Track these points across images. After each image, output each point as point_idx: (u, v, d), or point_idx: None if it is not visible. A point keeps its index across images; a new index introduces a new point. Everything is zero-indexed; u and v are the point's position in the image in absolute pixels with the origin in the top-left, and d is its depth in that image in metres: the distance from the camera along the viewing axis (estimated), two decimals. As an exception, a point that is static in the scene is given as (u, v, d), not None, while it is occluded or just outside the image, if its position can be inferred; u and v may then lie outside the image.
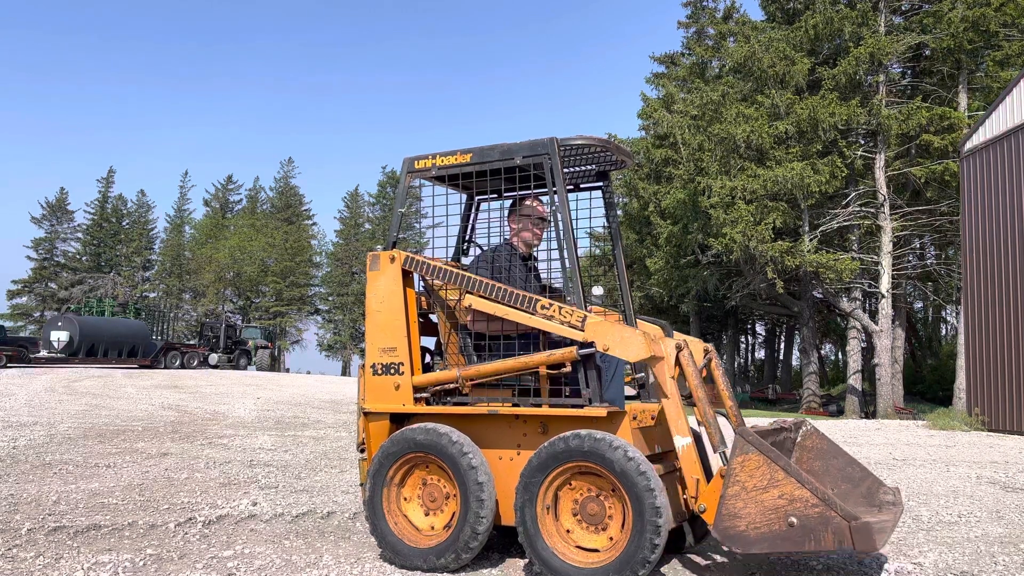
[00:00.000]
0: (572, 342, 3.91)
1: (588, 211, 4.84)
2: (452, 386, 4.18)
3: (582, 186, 4.93)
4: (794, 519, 3.31)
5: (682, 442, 3.81)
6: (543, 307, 3.92)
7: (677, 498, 4.24)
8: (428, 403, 4.32)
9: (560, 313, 3.86)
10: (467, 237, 5.01)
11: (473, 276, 4.14)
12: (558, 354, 3.89)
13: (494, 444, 4.09)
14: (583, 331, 3.80)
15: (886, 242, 24.86)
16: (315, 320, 63.36)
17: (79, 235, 64.68)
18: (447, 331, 4.46)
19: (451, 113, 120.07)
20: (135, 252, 64.84)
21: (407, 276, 4.41)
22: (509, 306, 3.99)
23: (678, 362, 3.93)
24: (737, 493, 3.43)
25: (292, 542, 4.57)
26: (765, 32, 28.05)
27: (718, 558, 4.45)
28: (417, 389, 4.26)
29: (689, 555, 4.50)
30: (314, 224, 67.60)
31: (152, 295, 62.90)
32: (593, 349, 3.83)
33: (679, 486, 4.42)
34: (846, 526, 3.24)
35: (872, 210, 25.10)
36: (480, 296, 4.09)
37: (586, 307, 3.99)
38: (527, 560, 3.81)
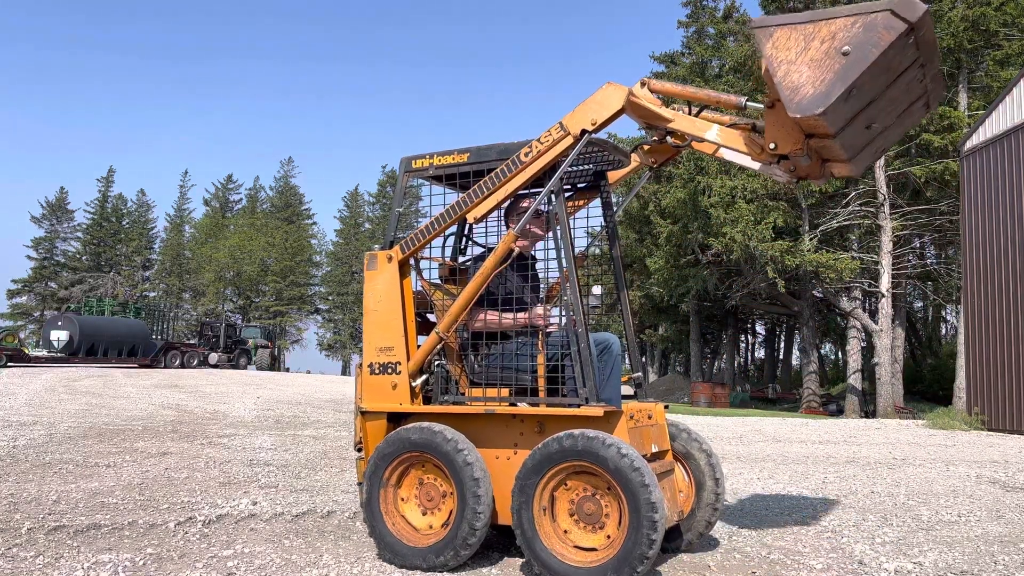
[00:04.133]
0: (566, 341, 3.90)
1: (586, 210, 4.85)
2: (439, 346, 4.23)
3: (579, 186, 4.93)
4: (847, 47, 3.26)
5: (711, 133, 3.86)
6: (526, 154, 4.09)
7: (674, 497, 4.25)
8: (427, 401, 4.33)
9: (541, 141, 4.06)
10: (465, 235, 5.00)
11: (469, 192, 4.23)
12: (508, 238, 4.08)
13: (491, 443, 4.10)
14: (568, 132, 4.01)
15: (886, 241, 24.85)
16: (315, 320, 63.45)
17: (79, 234, 64.74)
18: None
19: (450, 113, 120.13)
20: (135, 252, 64.85)
21: (404, 274, 4.42)
22: (505, 182, 4.12)
23: (651, 90, 4.04)
24: (786, 71, 3.37)
25: (292, 541, 4.58)
26: (765, 32, 27.98)
27: (718, 557, 4.46)
28: (413, 376, 4.28)
29: (687, 554, 4.50)
30: (314, 224, 67.72)
31: (152, 295, 62.92)
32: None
33: (675, 485, 4.43)
34: (888, 12, 3.19)
35: (872, 209, 25.10)
36: (479, 202, 4.17)
37: (585, 307, 4.00)
38: (526, 559, 3.81)
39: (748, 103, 3.77)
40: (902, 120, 3.90)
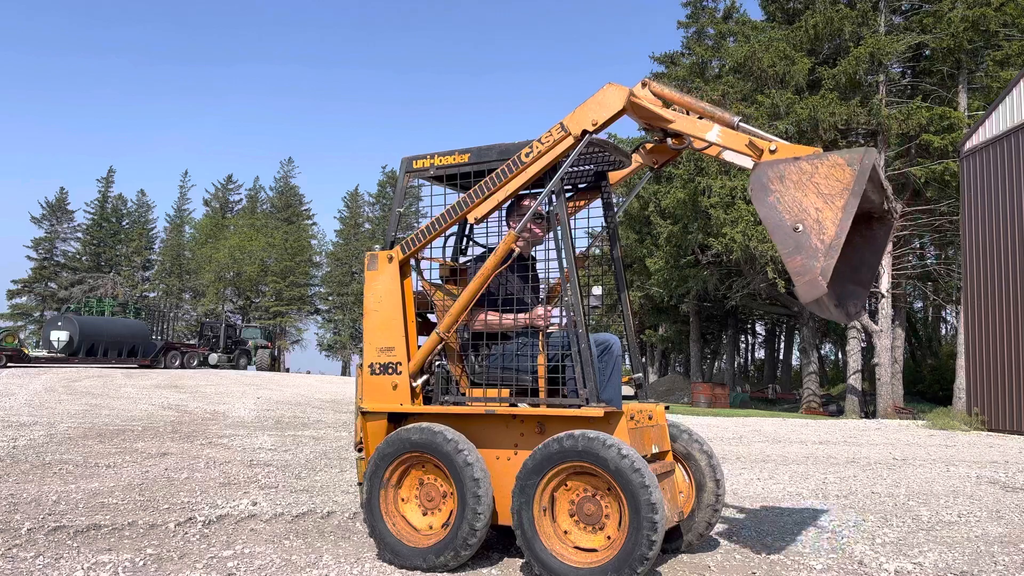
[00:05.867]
0: (567, 341, 3.91)
1: (587, 211, 4.85)
2: (440, 347, 4.24)
3: (580, 186, 4.93)
4: (800, 227, 3.44)
5: (712, 134, 3.85)
6: (527, 154, 4.08)
7: (674, 497, 4.25)
8: (427, 401, 4.32)
9: (541, 142, 4.06)
10: (466, 235, 5.00)
11: (470, 192, 4.22)
12: (509, 238, 4.08)
13: (491, 444, 4.10)
14: (568, 132, 4.00)
15: (886, 242, 24.82)
16: (315, 320, 63.41)
17: (79, 235, 64.75)
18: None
19: (450, 113, 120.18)
20: (135, 252, 64.85)
21: (405, 274, 4.42)
22: (506, 183, 4.12)
23: (652, 92, 4.04)
24: (803, 168, 3.49)
25: (292, 542, 4.58)
26: (765, 32, 28.08)
27: (718, 558, 4.46)
28: (414, 376, 4.28)
29: (687, 555, 4.50)
30: (314, 224, 67.67)
31: (152, 295, 62.90)
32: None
33: (676, 486, 4.43)
34: (816, 278, 3.39)
35: (872, 210, 25.05)
36: (480, 203, 4.17)
37: (585, 308, 4.00)
38: (526, 560, 3.81)
39: (740, 124, 3.77)
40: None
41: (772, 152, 3.62)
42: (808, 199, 3.45)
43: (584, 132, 3.97)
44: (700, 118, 3.98)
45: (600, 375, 4.26)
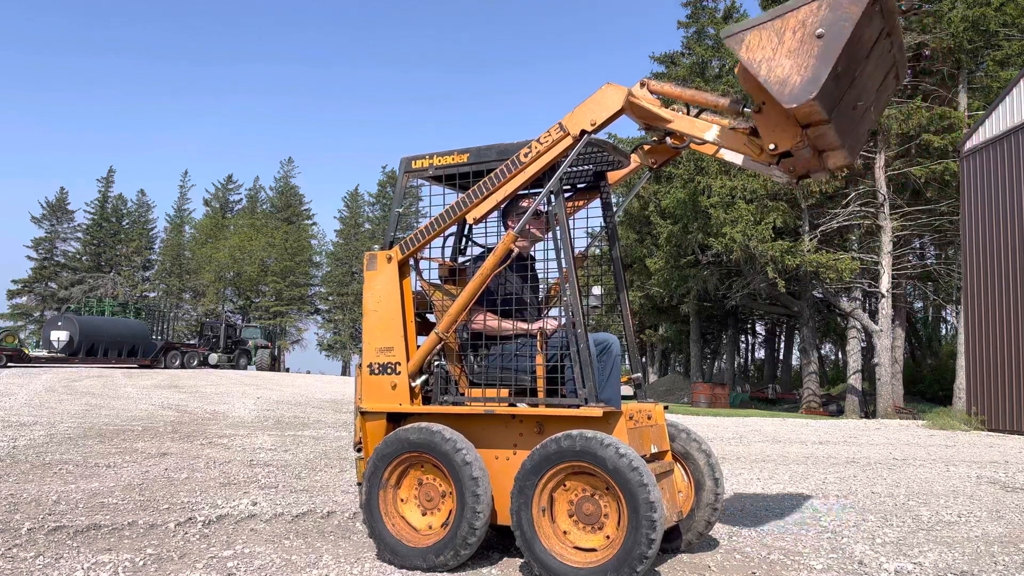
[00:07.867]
0: (566, 341, 3.91)
1: (586, 211, 4.85)
2: (439, 347, 4.24)
3: (579, 186, 4.93)
4: (820, 30, 3.29)
5: (711, 133, 3.85)
6: (525, 154, 4.07)
7: (673, 497, 4.25)
8: (427, 401, 4.33)
9: (540, 142, 4.05)
10: (465, 235, 5.00)
11: (469, 193, 4.21)
12: (508, 238, 4.07)
13: (490, 444, 4.10)
14: (567, 132, 4.00)
15: (886, 242, 24.84)
16: (315, 320, 63.45)
17: (79, 235, 64.77)
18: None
19: (450, 113, 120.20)
20: (135, 252, 64.86)
21: (404, 274, 4.42)
22: (505, 183, 4.10)
23: (650, 91, 4.04)
24: (769, 67, 3.39)
25: (292, 542, 4.58)
26: (765, 32, 27.98)
27: (717, 557, 4.46)
28: (413, 376, 4.28)
29: (687, 555, 4.50)
30: (314, 224, 67.71)
31: (152, 295, 62.91)
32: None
33: (675, 485, 4.43)
34: None
35: (872, 210, 25.09)
36: (479, 203, 4.16)
37: (585, 308, 4.01)
38: (525, 560, 3.81)
39: (746, 108, 3.77)
40: (879, 96, 3.92)
41: (772, 150, 3.61)
42: (787, 42, 3.34)
43: (583, 132, 3.97)
44: (702, 111, 3.98)
45: (599, 375, 4.26)
